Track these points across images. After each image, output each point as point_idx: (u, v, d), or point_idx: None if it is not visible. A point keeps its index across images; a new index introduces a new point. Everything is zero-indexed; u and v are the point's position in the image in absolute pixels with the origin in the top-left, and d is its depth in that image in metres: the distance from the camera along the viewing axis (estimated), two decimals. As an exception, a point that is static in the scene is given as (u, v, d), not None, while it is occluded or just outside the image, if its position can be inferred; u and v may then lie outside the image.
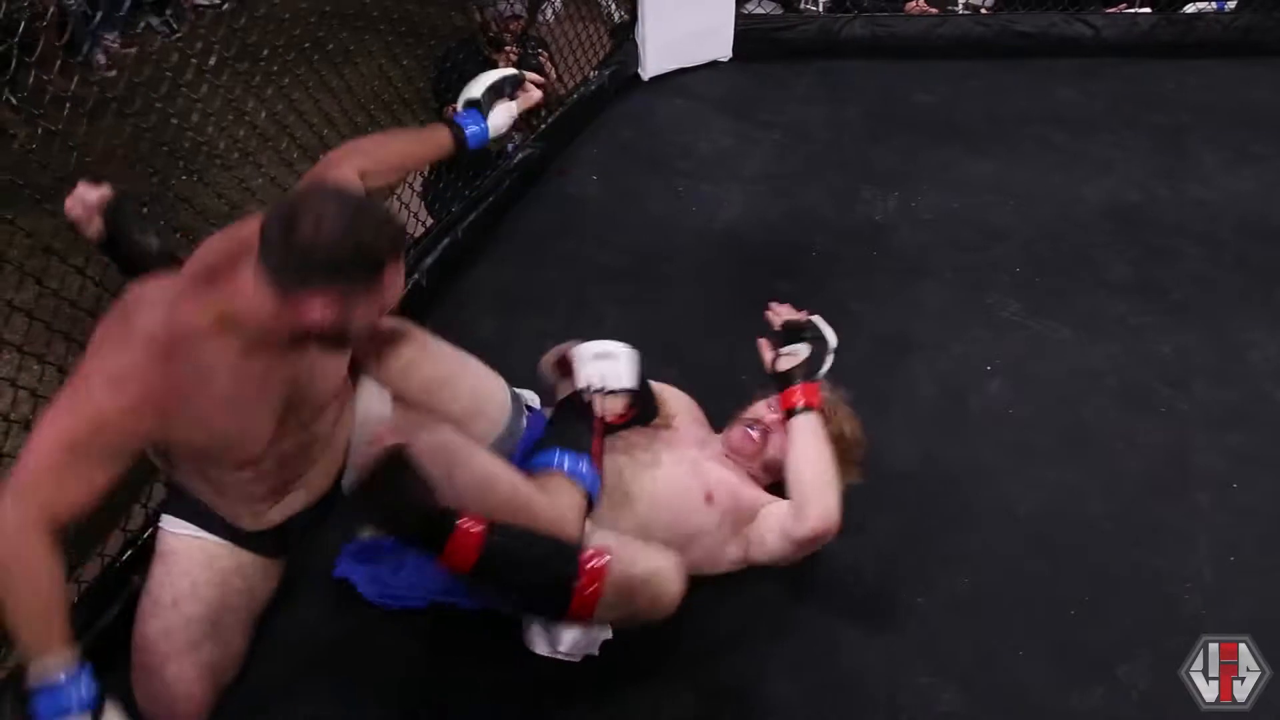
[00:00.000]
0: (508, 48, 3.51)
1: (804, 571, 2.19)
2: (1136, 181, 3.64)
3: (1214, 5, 5.31)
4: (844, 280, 3.10)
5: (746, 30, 4.46)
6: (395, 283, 1.64)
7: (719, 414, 2.41)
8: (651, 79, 4.23)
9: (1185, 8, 5.26)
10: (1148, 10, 5.06)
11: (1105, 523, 2.40)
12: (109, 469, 1.61)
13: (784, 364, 2.22)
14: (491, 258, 3.19)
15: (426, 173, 3.77)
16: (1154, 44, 4.72)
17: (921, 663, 2.11)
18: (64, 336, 2.29)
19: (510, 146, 3.59)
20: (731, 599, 2.18)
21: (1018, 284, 3.12)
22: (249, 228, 1.66)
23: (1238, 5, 5.17)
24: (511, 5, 3.58)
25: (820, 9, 5.39)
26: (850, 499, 2.07)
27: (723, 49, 4.41)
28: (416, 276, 2.92)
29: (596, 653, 2.04)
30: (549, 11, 5.64)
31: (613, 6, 4.85)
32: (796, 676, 2.08)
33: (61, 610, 1.59)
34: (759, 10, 5.14)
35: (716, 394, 2.53)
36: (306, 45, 3.06)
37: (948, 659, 2.11)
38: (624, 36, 4.27)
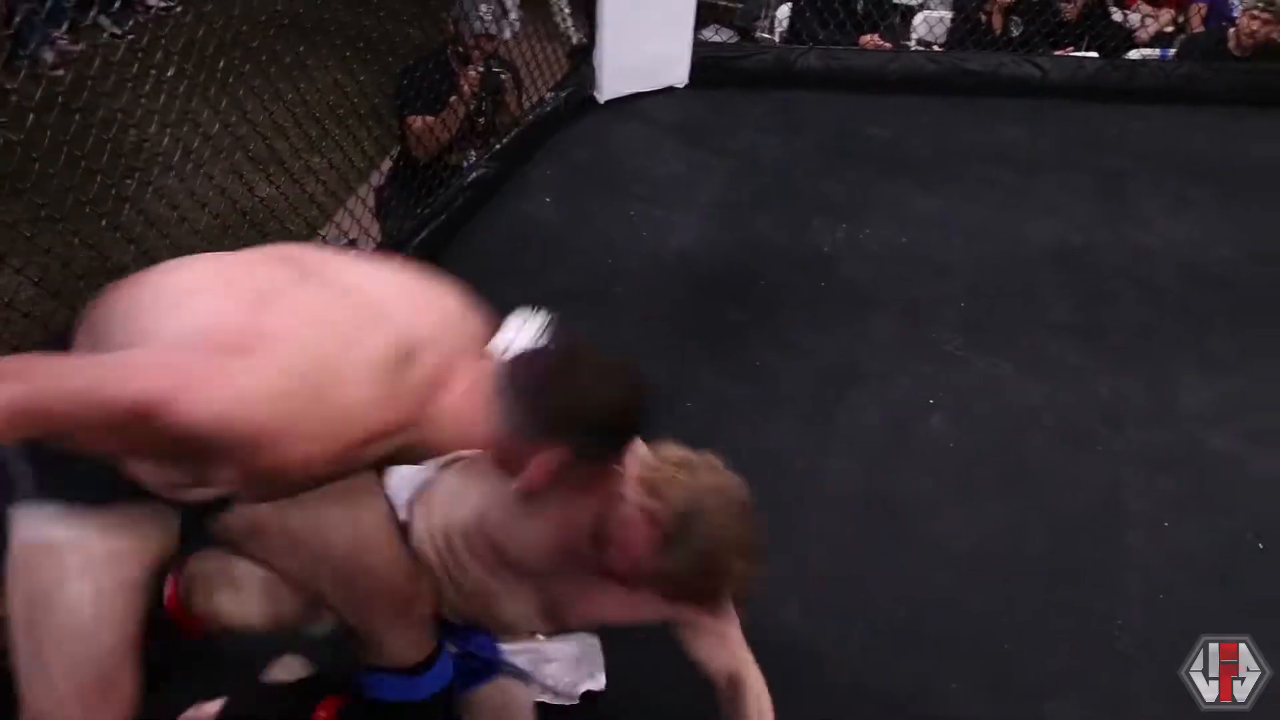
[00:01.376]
0: (472, 66, 3.50)
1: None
2: (1079, 223, 3.72)
3: (1157, 53, 5.45)
4: (793, 310, 3.13)
5: (704, 57, 4.50)
6: None
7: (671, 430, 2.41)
8: (608, 102, 4.24)
9: (1129, 54, 5.41)
10: (1094, 55, 5.19)
11: (1040, 559, 2.43)
12: None
13: None
14: (444, 276, 3.17)
15: (379, 183, 3.74)
16: (1099, 88, 4.83)
17: (856, 693, 2.12)
18: (-2, 340, 2.25)
19: (466, 163, 3.57)
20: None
21: (962, 319, 3.17)
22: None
23: (1177, 54, 5.32)
24: (486, 24, 3.58)
25: (777, 39, 5.44)
26: (788, 524, 2.08)
27: (679, 75, 4.43)
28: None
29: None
30: (507, 30, 5.63)
31: (570, 27, 4.85)
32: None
33: None
34: (716, 38, 5.19)
35: (664, 416, 2.54)
36: (262, 56, 3.03)
37: (882, 690, 2.12)
38: (581, 59, 4.28)
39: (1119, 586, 2.39)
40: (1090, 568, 2.42)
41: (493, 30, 3.58)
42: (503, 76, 3.69)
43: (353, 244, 3.42)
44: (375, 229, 3.54)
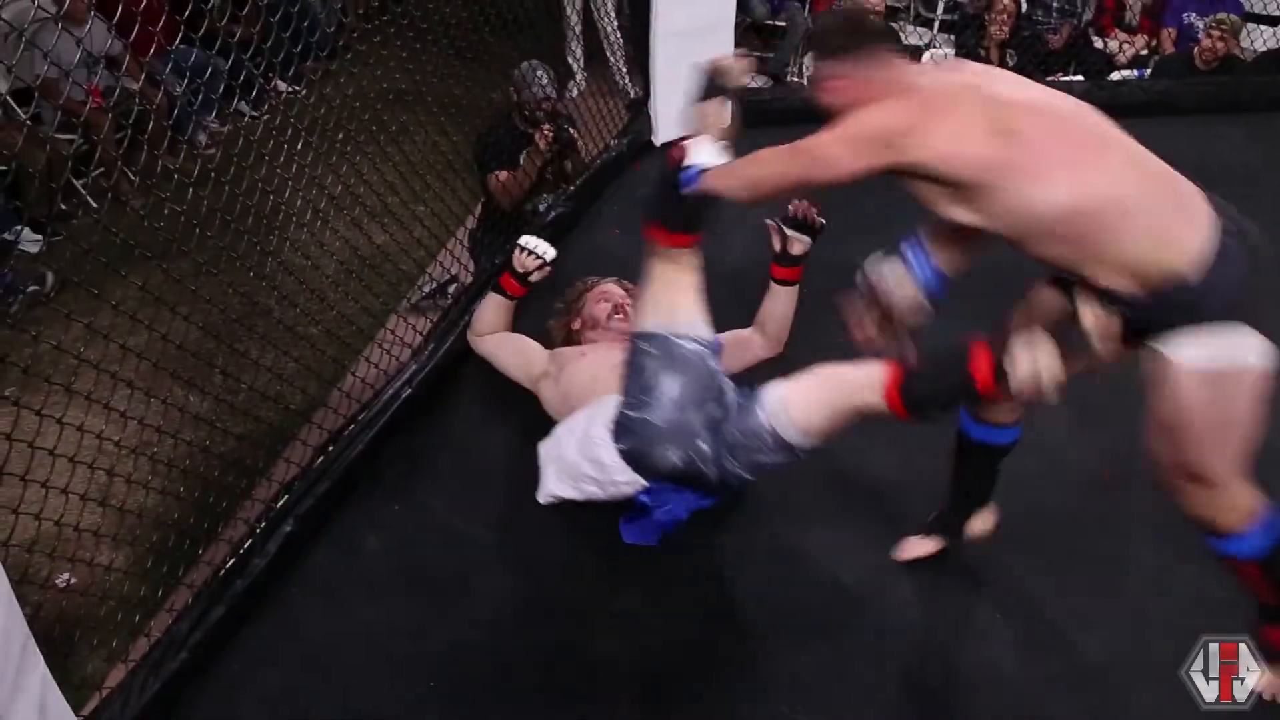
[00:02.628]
0: (544, 126, 3.52)
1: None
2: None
3: (1135, 73, 5.32)
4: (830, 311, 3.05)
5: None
6: None
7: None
8: (663, 144, 4.21)
9: (1111, 75, 5.27)
10: (1080, 78, 5.06)
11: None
12: None
13: (796, 248, 2.64)
14: (528, 300, 3.16)
15: (472, 226, 3.76)
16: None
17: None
18: (171, 375, 2.28)
19: (542, 206, 3.58)
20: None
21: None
22: None
23: (1153, 73, 5.19)
24: (544, 88, 3.58)
25: (806, 83, 5.39)
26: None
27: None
28: (468, 318, 2.89)
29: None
30: (574, 90, 5.65)
31: (628, 83, 4.86)
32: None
33: None
34: (752, 85, 5.14)
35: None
36: (372, 125, 3.06)
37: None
38: (639, 109, 4.27)
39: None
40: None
41: (550, 93, 3.59)
42: (570, 131, 3.70)
43: (454, 279, 3.44)
44: (471, 265, 3.55)
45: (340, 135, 2.92)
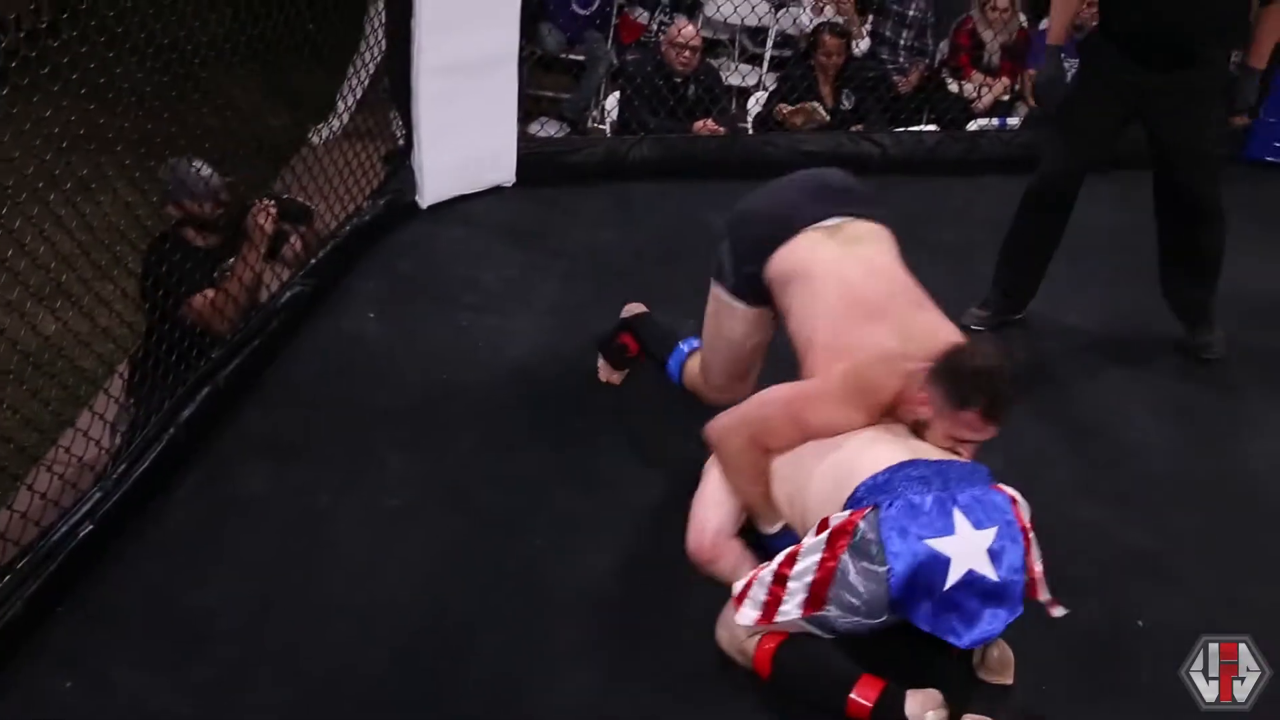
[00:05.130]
0: (262, 200, 3.42)
1: None
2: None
3: (995, 122, 5.86)
4: (643, 415, 3.21)
5: (530, 154, 4.64)
6: None
7: (510, 568, 2.51)
8: (430, 207, 4.32)
9: (969, 125, 5.79)
10: (933, 128, 5.53)
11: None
12: None
13: None
14: (259, 405, 3.17)
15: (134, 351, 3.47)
16: (941, 161, 5.16)
17: None
18: None
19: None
20: None
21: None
22: None
23: (1021, 123, 5.72)
24: (207, 182, 3.43)
25: (608, 130, 5.64)
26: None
27: (506, 174, 4.55)
28: (173, 430, 2.87)
29: None
30: (322, 135, 5.62)
31: (398, 126, 4.80)
32: None
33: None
34: (544, 132, 5.35)
35: (512, 537, 2.60)
36: (39, 184, 3.00)
37: None
38: (399, 162, 4.35)
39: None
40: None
41: (218, 186, 3.43)
42: (299, 201, 3.66)
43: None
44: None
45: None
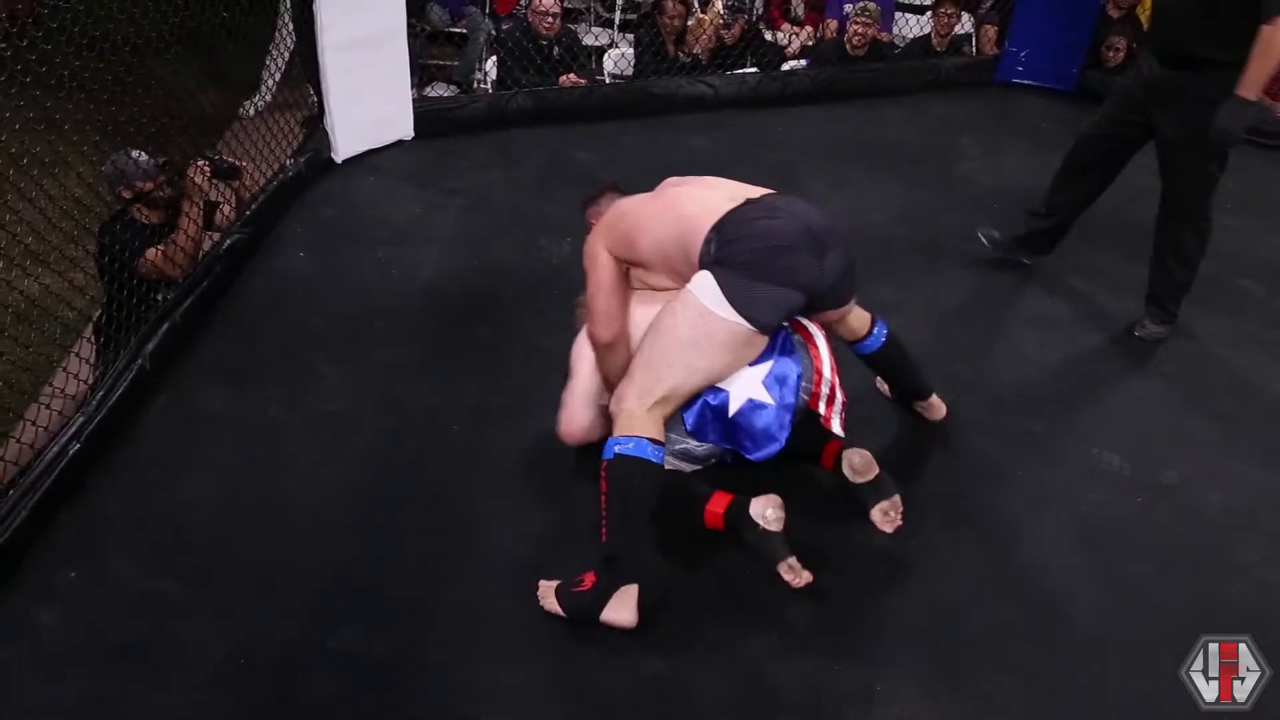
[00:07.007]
0: (196, 161, 3.30)
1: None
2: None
3: (803, 63, 5.91)
4: (534, 319, 3.22)
5: (425, 111, 4.56)
6: None
7: (434, 453, 2.52)
8: (344, 161, 4.23)
9: (783, 66, 5.83)
10: (754, 70, 5.56)
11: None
12: None
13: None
14: (212, 336, 3.10)
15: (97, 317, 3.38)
16: (762, 97, 5.20)
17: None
18: None
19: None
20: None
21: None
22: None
23: (810, 62, 5.81)
24: (144, 166, 3.26)
25: (490, 88, 5.55)
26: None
27: (405, 129, 4.47)
28: (140, 361, 2.81)
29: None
30: (251, 108, 5.47)
31: (314, 95, 4.71)
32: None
33: None
34: (441, 94, 5.25)
35: (433, 429, 2.61)
36: (22, 160, 2.85)
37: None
38: (315, 125, 4.25)
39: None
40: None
41: (152, 168, 3.29)
42: (229, 161, 3.53)
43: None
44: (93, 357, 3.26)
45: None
